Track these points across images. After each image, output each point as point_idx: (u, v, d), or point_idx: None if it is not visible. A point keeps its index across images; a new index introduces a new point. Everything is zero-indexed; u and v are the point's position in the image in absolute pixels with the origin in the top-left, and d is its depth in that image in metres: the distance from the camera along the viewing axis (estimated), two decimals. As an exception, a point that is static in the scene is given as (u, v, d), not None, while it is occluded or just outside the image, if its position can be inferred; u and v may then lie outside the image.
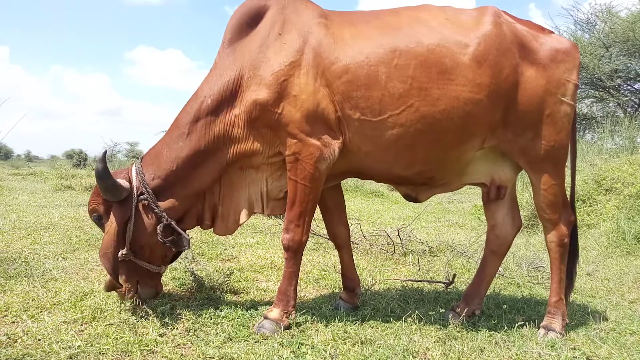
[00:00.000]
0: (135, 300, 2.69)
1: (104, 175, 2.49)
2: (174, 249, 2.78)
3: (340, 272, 3.16)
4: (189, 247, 2.75)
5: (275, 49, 2.59)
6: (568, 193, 2.93)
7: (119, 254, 2.59)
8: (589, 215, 6.69)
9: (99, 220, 2.73)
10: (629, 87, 15.37)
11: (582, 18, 15.20)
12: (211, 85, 2.69)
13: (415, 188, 2.91)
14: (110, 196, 2.57)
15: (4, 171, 16.17)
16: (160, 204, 2.66)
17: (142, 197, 2.64)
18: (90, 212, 2.73)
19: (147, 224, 2.65)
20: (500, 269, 4.21)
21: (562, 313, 2.73)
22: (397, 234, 5.03)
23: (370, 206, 9.83)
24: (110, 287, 2.71)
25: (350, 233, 5.20)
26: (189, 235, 2.74)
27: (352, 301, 3.04)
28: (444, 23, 2.64)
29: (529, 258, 4.52)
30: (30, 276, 3.18)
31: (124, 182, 2.62)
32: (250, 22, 2.72)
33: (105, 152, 2.59)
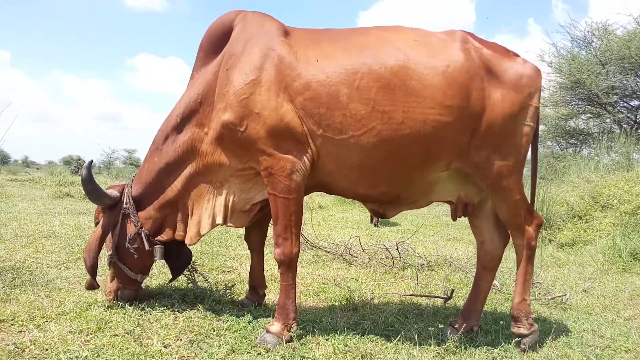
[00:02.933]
0: (115, 299, 3.04)
1: (86, 179, 2.83)
2: (155, 258, 3.00)
3: (249, 272, 3.33)
4: (161, 258, 2.99)
5: (238, 68, 2.64)
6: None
7: (107, 255, 2.97)
8: (585, 231, 6.75)
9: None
10: (625, 104, 15.55)
11: (578, 35, 15.43)
12: (181, 104, 2.91)
13: (382, 205, 2.96)
14: (92, 199, 2.90)
15: (1, 177, 16.14)
16: (140, 213, 2.97)
17: (125, 206, 2.95)
18: (95, 218, 3.10)
19: (128, 231, 2.96)
20: (497, 284, 4.28)
21: (526, 313, 2.81)
22: (395, 247, 5.08)
23: (368, 219, 9.86)
24: (90, 286, 2.95)
25: (349, 246, 5.29)
26: (162, 247, 3.00)
27: (254, 299, 3.26)
28: (413, 45, 2.62)
29: (526, 274, 4.56)
30: (35, 285, 3.22)
31: (112, 192, 2.96)
32: (220, 42, 2.83)
33: (91, 161, 2.97)
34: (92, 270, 2.87)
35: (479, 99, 2.60)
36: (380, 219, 9.19)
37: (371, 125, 2.52)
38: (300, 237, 5.79)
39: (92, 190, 2.85)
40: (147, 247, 2.93)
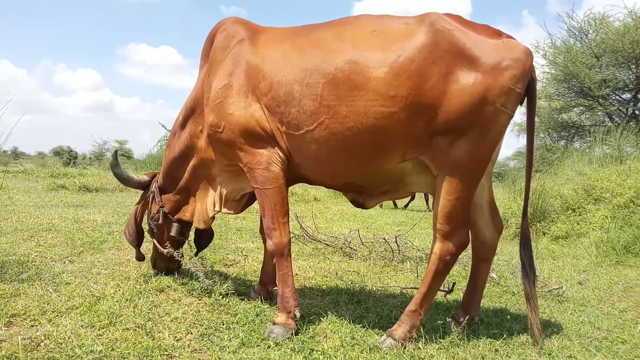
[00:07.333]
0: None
1: (113, 164, 3.39)
2: (177, 236, 3.47)
3: (262, 267, 3.48)
4: (175, 233, 3.44)
5: (215, 76, 2.90)
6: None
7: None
8: (578, 224, 6.88)
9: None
10: (617, 96, 15.72)
11: (575, 26, 15.51)
12: (184, 104, 3.28)
13: (361, 195, 2.97)
14: (118, 180, 3.43)
15: (-7, 168, 15.94)
16: (164, 196, 3.44)
17: (152, 190, 3.47)
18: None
19: (153, 209, 3.47)
20: (495, 276, 4.36)
21: (412, 325, 2.66)
22: (395, 240, 5.15)
23: (364, 211, 9.95)
24: (137, 258, 3.59)
25: (349, 239, 5.35)
26: (178, 225, 3.44)
27: (262, 293, 3.37)
28: (367, 37, 2.60)
29: (523, 266, 4.65)
30: (42, 280, 3.24)
31: (142, 177, 3.53)
32: (208, 49, 3.12)
33: (116, 151, 3.48)
34: (133, 244, 3.44)
35: (439, 83, 2.47)
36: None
37: (320, 120, 2.61)
38: (301, 230, 5.86)
39: (116, 173, 3.38)
40: (162, 221, 3.41)
